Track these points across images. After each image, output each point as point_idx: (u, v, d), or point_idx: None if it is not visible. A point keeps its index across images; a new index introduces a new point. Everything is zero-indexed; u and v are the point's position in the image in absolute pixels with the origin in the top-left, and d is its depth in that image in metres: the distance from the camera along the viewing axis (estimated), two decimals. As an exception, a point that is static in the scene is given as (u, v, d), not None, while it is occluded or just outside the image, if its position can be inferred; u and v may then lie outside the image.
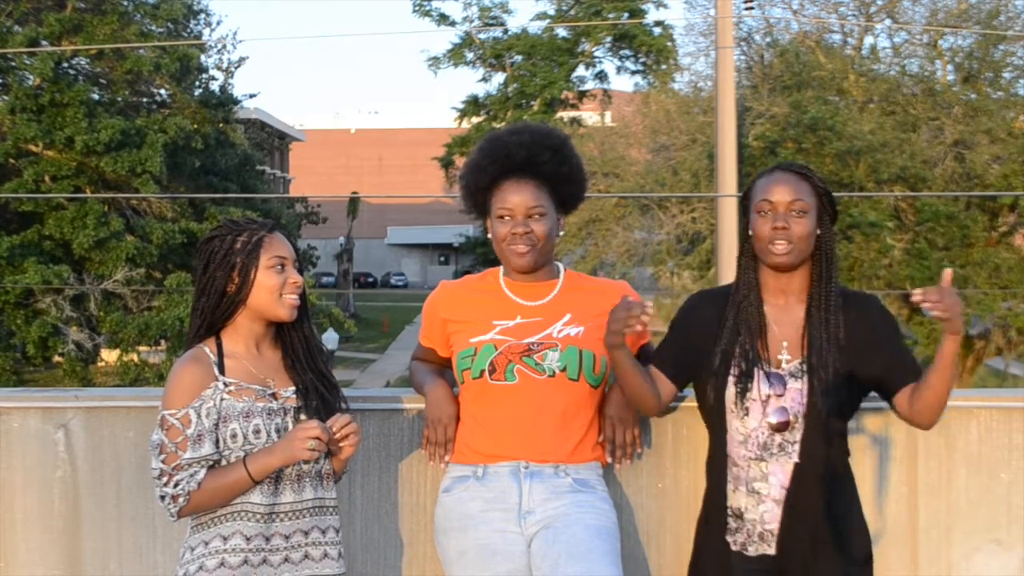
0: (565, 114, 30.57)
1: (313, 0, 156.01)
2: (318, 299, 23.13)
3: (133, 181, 19.79)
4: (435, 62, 31.07)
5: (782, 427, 2.55)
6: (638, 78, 30.67)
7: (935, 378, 2.49)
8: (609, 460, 2.80)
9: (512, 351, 2.73)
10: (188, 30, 23.68)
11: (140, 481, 3.18)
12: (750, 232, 2.63)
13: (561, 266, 2.91)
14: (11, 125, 19.60)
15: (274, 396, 2.51)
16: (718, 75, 14.11)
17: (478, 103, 31.16)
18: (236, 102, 24.82)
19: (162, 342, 20.25)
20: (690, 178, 18.88)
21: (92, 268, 19.72)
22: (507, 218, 2.76)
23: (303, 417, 2.51)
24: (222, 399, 2.44)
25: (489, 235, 2.85)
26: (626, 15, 28.53)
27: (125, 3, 21.16)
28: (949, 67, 19.15)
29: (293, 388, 2.54)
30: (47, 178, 19.90)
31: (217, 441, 2.44)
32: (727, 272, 12.89)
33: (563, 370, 2.72)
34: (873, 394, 2.73)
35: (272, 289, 2.51)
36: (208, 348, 2.51)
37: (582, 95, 31.30)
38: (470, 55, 30.67)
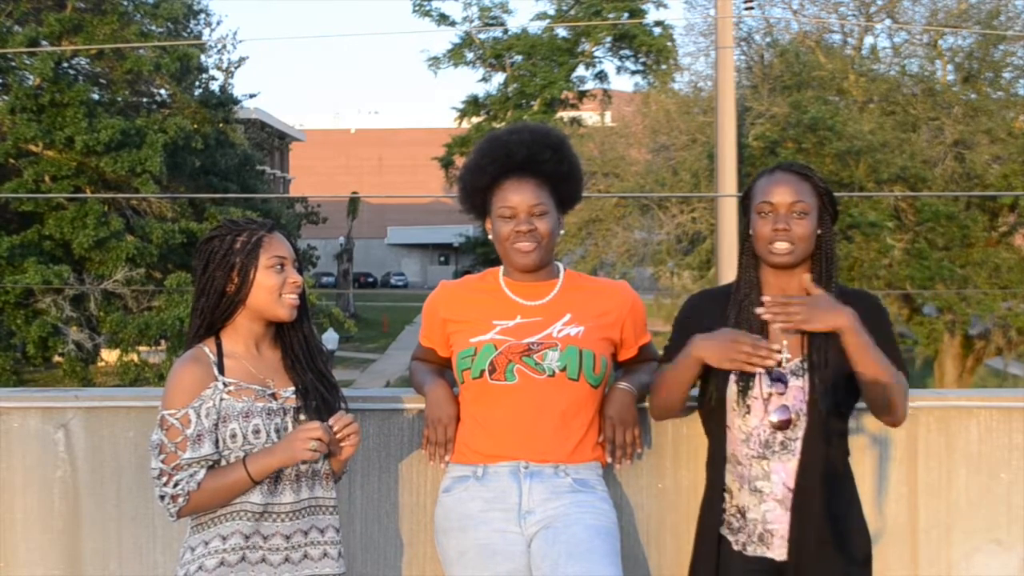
0: (565, 114, 30.58)
1: (313, 0, 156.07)
2: (318, 299, 23.13)
3: (133, 181, 19.79)
4: (435, 62, 31.09)
5: (784, 425, 2.56)
6: (638, 78, 30.72)
7: (859, 376, 2.50)
8: (609, 460, 2.79)
9: (512, 351, 2.73)
10: (188, 30, 23.68)
11: (140, 481, 3.18)
12: (751, 232, 2.63)
13: (561, 266, 2.91)
14: (11, 125, 19.60)
15: (273, 396, 2.51)
16: (718, 75, 14.11)
17: (478, 103, 31.17)
18: (236, 102, 24.83)
19: (162, 342, 20.25)
20: (690, 178, 18.89)
21: (92, 268, 19.72)
22: (510, 217, 2.76)
23: (303, 417, 2.51)
24: (222, 399, 2.44)
25: (490, 236, 2.85)
26: (626, 15, 28.54)
27: (125, 3, 21.16)
28: (949, 67, 19.15)
29: (293, 388, 2.54)
30: (47, 178, 19.89)
31: (217, 441, 2.44)
32: (727, 272, 12.89)
33: (563, 370, 2.72)
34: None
35: (271, 289, 2.51)
36: (208, 348, 2.51)
37: (582, 95, 31.31)
38: (470, 55, 30.68)
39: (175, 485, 2.41)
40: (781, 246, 2.56)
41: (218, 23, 45.98)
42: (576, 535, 2.62)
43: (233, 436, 2.43)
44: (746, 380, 2.58)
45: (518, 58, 30.09)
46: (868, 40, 20.36)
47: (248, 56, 48.42)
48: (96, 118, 19.60)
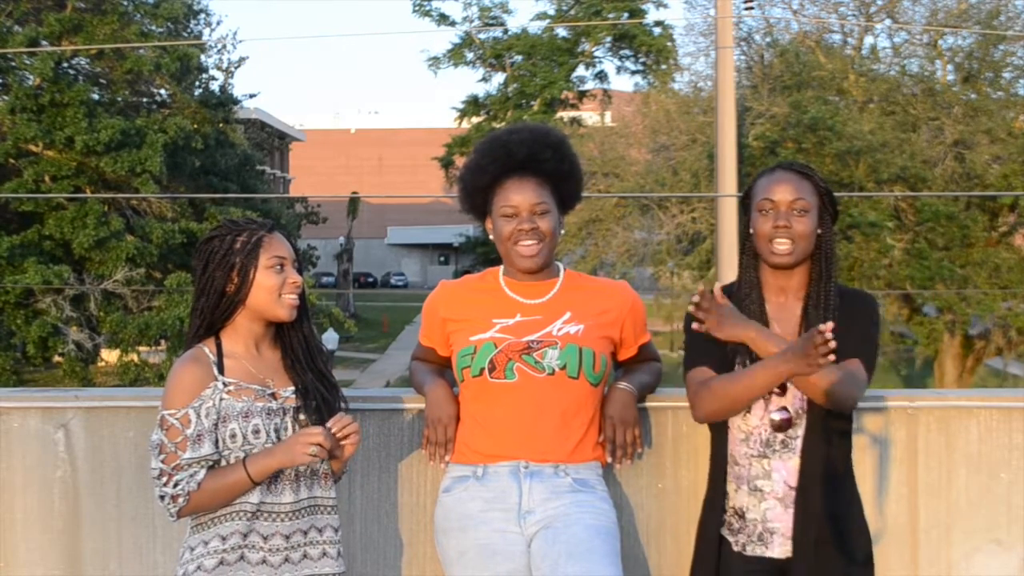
0: (565, 114, 30.59)
1: (313, 0, 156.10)
2: (318, 299, 23.13)
3: (133, 181, 19.79)
4: (435, 62, 31.10)
5: (784, 425, 2.56)
6: (638, 78, 30.73)
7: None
8: (609, 460, 2.79)
9: (512, 349, 2.73)
10: (188, 30, 23.68)
11: (140, 481, 3.18)
12: (751, 230, 2.64)
13: (561, 265, 2.91)
14: (11, 125, 19.59)
15: (273, 396, 2.51)
16: (718, 75, 14.11)
17: (478, 103, 31.18)
18: (236, 102, 24.83)
19: (162, 342, 20.25)
20: (690, 178, 18.89)
21: (92, 268, 19.72)
22: (512, 216, 2.76)
23: (302, 417, 2.51)
24: (221, 399, 2.44)
25: (491, 236, 2.85)
26: (626, 15, 28.55)
27: (125, 3, 21.15)
28: (949, 67, 19.16)
29: (292, 388, 2.54)
30: (47, 178, 19.89)
31: (216, 441, 2.44)
32: (727, 272, 12.89)
33: (563, 368, 2.71)
34: (873, 393, 2.73)
35: (271, 289, 2.51)
36: (207, 348, 2.51)
37: (582, 95, 31.32)
38: (470, 55, 30.69)
39: (175, 485, 2.40)
40: (782, 245, 2.57)
41: (218, 23, 46.01)
42: (576, 535, 2.62)
43: (233, 436, 2.43)
44: None
45: (518, 58, 30.10)
46: (868, 40, 20.38)
47: (248, 56, 48.46)
48: (96, 118, 19.60)
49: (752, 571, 2.60)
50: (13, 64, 20.67)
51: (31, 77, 20.21)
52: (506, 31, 30.31)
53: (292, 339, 2.58)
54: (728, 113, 13.73)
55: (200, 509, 2.44)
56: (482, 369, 2.73)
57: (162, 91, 22.79)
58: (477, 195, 2.85)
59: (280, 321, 2.54)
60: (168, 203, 20.86)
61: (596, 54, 31.00)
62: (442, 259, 63.01)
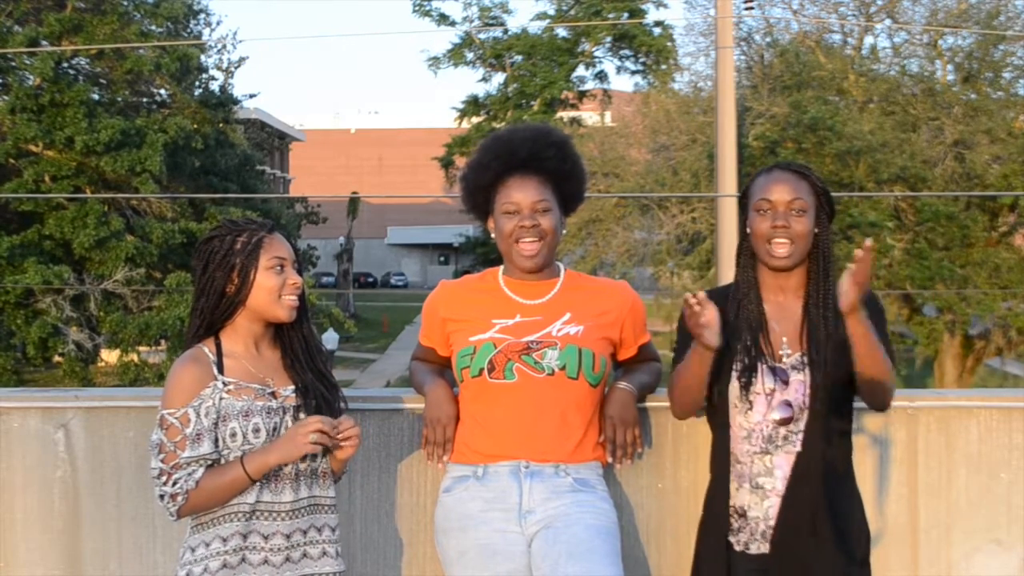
0: (565, 114, 30.59)
1: (313, 0, 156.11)
2: (318, 299, 23.13)
3: (133, 181, 19.79)
4: (435, 62, 31.10)
5: (786, 421, 2.56)
6: (638, 78, 30.74)
7: (856, 360, 2.49)
8: (610, 460, 2.79)
9: (511, 349, 2.73)
10: (188, 30, 23.68)
11: (140, 481, 3.18)
12: (748, 230, 2.64)
13: (561, 266, 2.91)
14: (11, 125, 19.60)
15: (273, 395, 2.51)
16: (718, 75, 14.11)
17: (478, 103, 31.19)
18: (236, 102, 24.83)
19: (162, 342, 20.25)
20: (690, 178, 18.89)
21: (92, 268, 19.72)
22: (513, 213, 2.76)
23: (302, 415, 2.51)
24: (221, 398, 2.44)
25: (492, 235, 2.85)
26: (626, 15, 28.55)
27: (125, 3, 21.16)
28: (949, 67, 19.15)
29: (292, 387, 2.54)
30: (47, 178, 19.90)
31: (216, 440, 2.44)
32: (727, 272, 12.89)
33: (562, 368, 2.71)
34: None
35: (271, 290, 2.51)
36: (207, 348, 2.51)
37: (582, 95, 31.32)
38: (470, 55, 30.70)
39: (174, 484, 2.41)
40: (779, 245, 2.57)
41: (218, 23, 46.05)
42: (576, 535, 2.62)
43: (233, 435, 2.44)
44: (748, 376, 2.58)
45: (518, 58, 30.11)
46: (868, 40, 20.38)
47: (248, 56, 48.45)
48: (96, 118, 19.60)
49: (755, 571, 2.60)
50: (13, 64, 20.67)
51: (31, 77, 20.21)
52: (506, 31, 30.32)
53: (292, 339, 2.58)
54: (728, 113, 13.73)
55: (200, 508, 2.44)
56: (481, 369, 2.73)
57: (162, 91, 22.80)
58: (479, 193, 2.85)
59: (280, 322, 2.54)
60: (168, 203, 20.87)
61: (596, 54, 31.01)
62: (442, 259, 63.01)
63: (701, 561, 2.69)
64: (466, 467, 2.76)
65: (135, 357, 19.71)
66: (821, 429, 2.57)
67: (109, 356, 21.03)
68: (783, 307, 2.65)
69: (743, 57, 20.72)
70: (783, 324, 2.63)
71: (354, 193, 42.27)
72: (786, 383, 2.57)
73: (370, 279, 60.41)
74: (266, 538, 2.46)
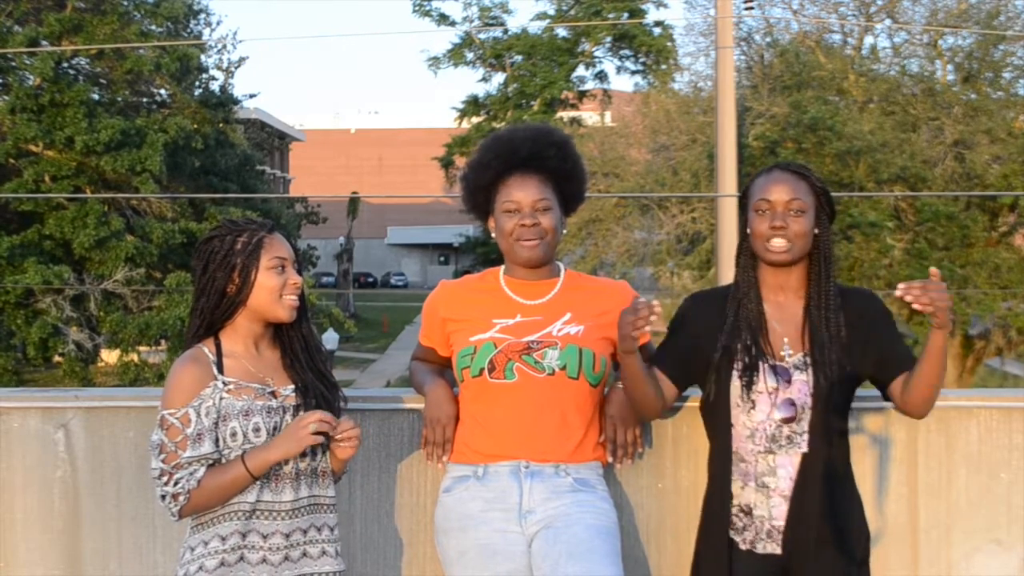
0: (565, 114, 30.58)
1: (313, 0, 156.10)
2: (318, 299, 23.13)
3: (133, 181, 19.79)
4: (435, 62, 31.09)
5: (790, 420, 2.57)
6: (638, 78, 30.73)
7: (925, 370, 2.52)
8: (610, 460, 2.79)
9: (512, 349, 2.73)
10: (188, 30, 23.68)
11: (140, 481, 3.18)
12: (748, 230, 2.65)
13: (561, 266, 2.91)
14: (11, 125, 19.60)
15: (273, 395, 2.51)
16: (718, 75, 14.11)
17: (478, 103, 31.18)
18: (236, 102, 24.83)
19: (162, 342, 20.26)
20: (690, 178, 18.89)
21: (92, 268, 19.73)
22: (514, 212, 2.77)
23: (302, 414, 2.50)
24: (221, 398, 2.44)
25: (493, 234, 2.85)
26: (626, 15, 28.55)
27: (125, 3, 21.16)
28: (949, 67, 19.15)
29: (292, 387, 2.54)
30: (47, 178, 19.90)
31: (217, 440, 2.44)
32: (727, 272, 12.89)
33: (563, 368, 2.71)
34: (873, 393, 2.73)
35: (272, 290, 2.51)
36: (207, 348, 2.51)
37: (582, 95, 31.31)
38: (470, 55, 30.69)
39: (175, 484, 2.41)
40: (778, 243, 2.58)
41: (218, 23, 46.06)
42: (577, 535, 2.62)
43: (233, 435, 2.44)
44: (750, 375, 2.58)
45: (518, 58, 30.10)
46: (868, 40, 20.37)
47: (248, 56, 48.47)
48: (96, 118, 19.61)
49: (762, 569, 2.60)
50: (13, 64, 20.67)
51: (31, 77, 20.21)
52: (506, 31, 30.31)
53: (291, 338, 2.58)
54: (728, 113, 13.73)
55: (201, 507, 2.44)
56: (482, 369, 2.73)
57: (162, 91, 22.80)
58: (480, 193, 2.85)
59: (280, 322, 2.54)
60: (168, 203, 20.87)
61: (596, 54, 31.00)
62: (442, 259, 63.01)
63: (702, 559, 2.69)
64: (466, 467, 2.76)
65: (135, 357, 19.71)
66: (824, 429, 2.58)
67: (109, 356, 21.03)
68: (783, 307, 2.65)
69: (743, 57, 20.73)
70: (784, 324, 2.63)
71: (354, 193, 42.27)
72: (788, 382, 2.58)
73: (370, 279, 60.41)
74: (265, 537, 2.46)
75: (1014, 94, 18.55)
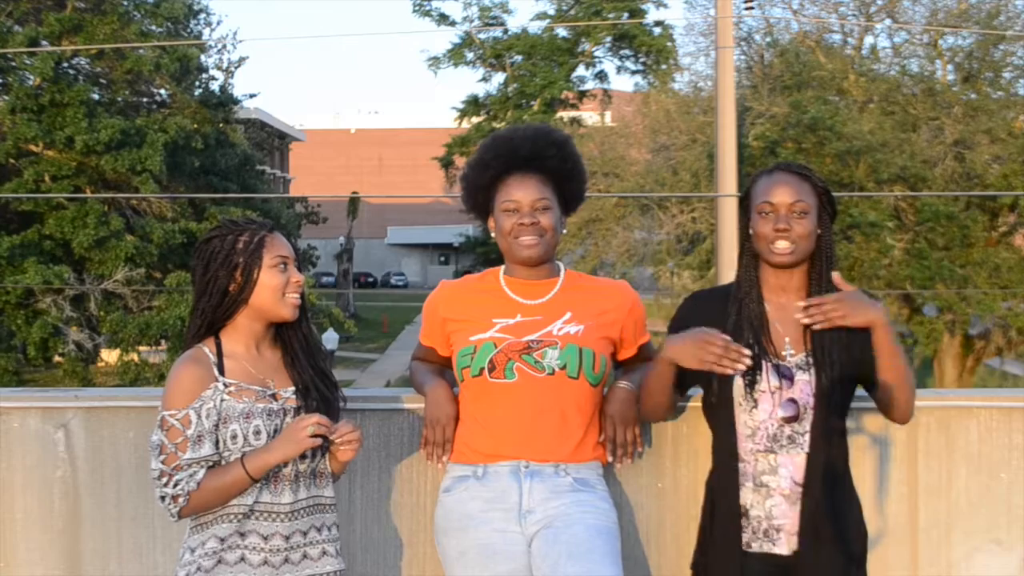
0: (565, 114, 30.58)
1: (313, 0, 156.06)
2: (318, 299, 23.13)
3: (133, 181, 19.79)
4: (435, 62, 31.09)
5: (792, 419, 2.57)
6: (638, 78, 30.74)
7: (879, 371, 2.55)
8: (610, 459, 2.79)
9: (511, 349, 2.73)
10: (188, 30, 23.66)
11: (140, 481, 3.18)
12: (751, 231, 2.65)
13: (561, 265, 2.91)
14: (11, 125, 19.60)
15: (274, 397, 2.51)
16: (718, 75, 14.11)
17: (478, 103, 31.19)
18: (236, 102, 24.81)
19: (162, 342, 20.25)
20: (690, 178, 18.90)
21: (92, 268, 19.72)
22: (513, 211, 2.77)
23: (305, 414, 2.50)
24: (222, 400, 2.44)
25: (493, 234, 2.85)
26: (626, 15, 28.55)
27: (125, 3, 21.16)
28: (949, 67, 19.16)
29: (293, 388, 2.54)
30: (47, 178, 19.90)
31: (217, 442, 2.44)
32: (727, 272, 12.89)
33: (563, 368, 2.71)
34: (873, 393, 2.73)
35: (275, 289, 2.51)
36: (207, 348, 2.51)
37: (582, 95, 31.31)
38: (470, 55, 30.69)
39: (175, 485, 2.40)
40: (782, 245, 2.59)
41: (218, 23, 46.04)
42: (577, 535, 2.62)
43: (234, 437, 2.43)
44: (752, 374, 2.59)
45: (518, 58, 30.10)
46: (868, 40, 20.39)
47: (248, 56, 48.33)
48: (96, 118, 19.61)
49: (759, 568, 2.60)
50: (13, 64, 20.67)
51: (31, 77, 20.21)
52: (506, 31, 30.31)
53: (292, 338, 2.58)
54: (728, 113, 13.73)
55: (200, 509, 2.44)
56: (482, 369, 2.73)
57: (162, 91, 22.79)
58: (480, 192, 2.85)
59: (283, 320, 2.54)
60: (168, 203, 20.87)
61: (596, 54, 31.01)
62: (442, 259, 63.01)
63: (705, 560, 2.68)
64: (466, 467, 2.76)
65: (135, 357, 19.71)
66: (825, 429, 2.58)
67: (109, 356, 21.03)
68: (785, 308, 2.65)
69: (743, 57, 20.74)
70: (785, 324, 2.64)
71: (354, 193, 42.26)
72: (791, 381, 2.58)
73: (370, 279, 60.42)
74: (265, 539, 2.46)
75: (1014, 94, 18.56)
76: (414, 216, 63.73)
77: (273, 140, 45.10)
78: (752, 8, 18.47)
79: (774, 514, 2.59)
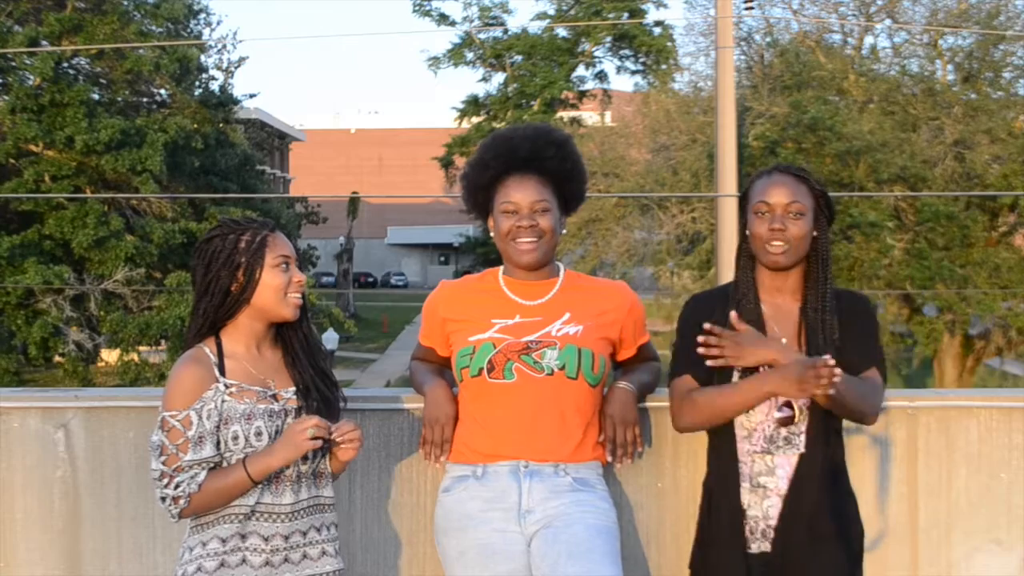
0: (565, 114, 30.58)
1: (313, 0, 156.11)
2: (318, 299, 23.12)
3: (133, 181, 19.79)
4: (435, 62, 31.08)
5: (787, 421, 2.58)
6: (638, 78, 30.74)
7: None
8: (610, 459, 2.79)
9: (510, 349, 2.73)
10: (188, 30, 23.66)
11: (140, 481, 3.18)
12: (747, 232, 2.66)
13: (561, 265, 2.91)
14: (11, 125, 19.60)
15: (275, 397, 2.50)
16: (718, 75, 14.11)
17: (478, 103, 31.18)
18: (236, 102, 24.80)
19: (162, 342, 20.25)
20: (690, 178, 18.90)
21: (92, 268, 19.72)
22: (512, 212, 2.76)
23: (304, 416, 2.50)
24: (223, 400, 2.44)
25: (492, 234, 2.85)
26: (626, 15, 28.55)
27: (125, 3, 21.16)
28: (949, 67, 19.16)
29: (293, 388, 2.54)
30: (47, 178, 19.89)
31: (218, 443, 2.43)
32: (727, 272, 12.88)
33: (561, 368, 2.71)
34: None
35: (278, 288, 2.50)
36: (208, 348, 2.50)
37: (582, 95, 31.31)
38: (470, 55, 30.68)
39: (176, 487, 2.40)
40: (777, 246, 2.60)
41: (218, 23, 45.96)
42: (576, 534, 2.62)
43: (235, 438, 2.43)
44: (750, 375, 2.59)
45: (518, 58, 30.09)
46: (868, 40, 20.39)
47: (248, 56, 48.29)
48: (96, 118, 19.60)
49: (759, 569, 2.60)
50: (13, 64, 20.67)
51: (31, 77, 20.21)
52: (506, 31, 30.30)
53: (292, 338, 2.58)
54: (728, 113, 13.73)
55: (201, 510, 2.44)
56: (480, 369, 2.73)
57: (162, 91, 22.79)
58: (479, 192, 2.85)
59: (284, 320, 2.54)
60: (168, 203, 20.86)
61: (596, 54, 31.00)
62: (442, 259, 63.01)
63: (705, 558, 2.68)
64: (465, 467, 2.76)
65: (135, 357, 19.71)
66: (821, 429, 2.60)
67: (109, 356, 21.02)
68: (781, 308, 2.67)
69: (743, 57, 20.74)
70: (781, 325, 2.65)
71: (354, 193, 42.26)
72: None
73: (370, 279, 60.41)
74: (266, 540, 2.46)
75: (1014, 94, 18.57)
76: (414, 216, 63.72)
77: (273, 140, 45.09)
78: (752, 8, 18.47)
79: (771, 514, 2.60)
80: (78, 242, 19.05)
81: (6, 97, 20.72)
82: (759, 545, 2.61)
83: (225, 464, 2.44)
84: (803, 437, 2.59)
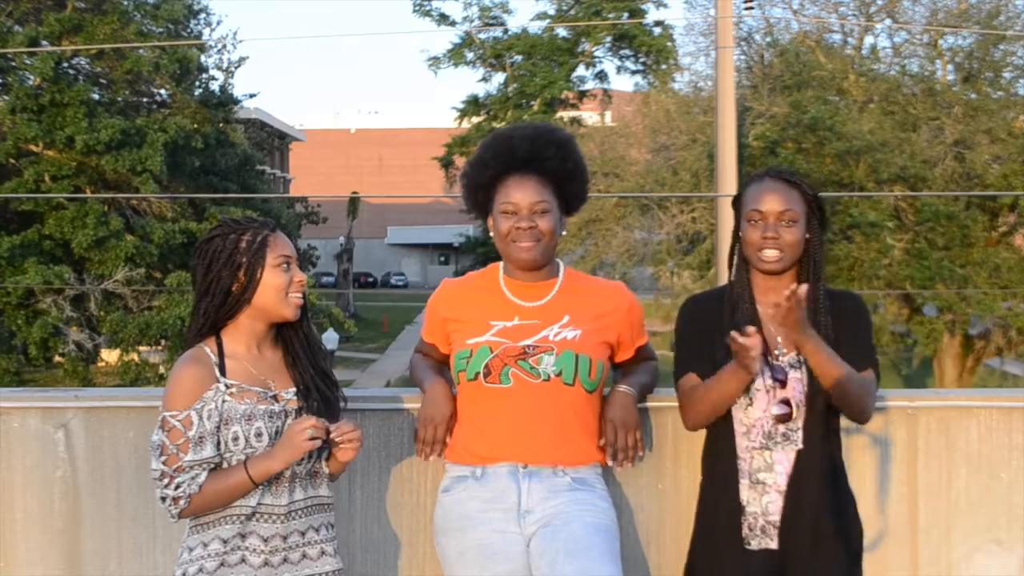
0: (565, 114, 30.57)
1: (313, 0, 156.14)
2: (318, 299, 23.11)
3: (133, 180, 19.79)
4: (435, 62, 31.06)
5: (784, 418, 2.59)
6: (638, 78, 30.71)
7: (819, 379, 2.56)
8: (610, 463, 2.78)
9: (507, 354, 2.72)
10: (188, 30, 23.65)
11: (140, 481, 3.18)
12: (740, 235, 2.68)
13: (561, 264, 2.89)
14: (11, 125, 19.59)
15: (275, 398, 2.50)
16: (718, 75, 14.11)
17: (478, 103, 31.16)
18: (236, 102, 24.79)
19: (162, 342, 20.25)
20: (690, 178, 18.90)
21: (92, 268, 19.72)
22: (511, 213, 2.75)
23: (303, 417, 2.50)
24: (224, 401, 2.43)
25: (491, 234, 2.84)
26: (626, 15, 28.54)
27: (125, 3, 21.15)
28: (949, 67, 19.16)
29: (294, 389, 2.54)
30: (47, 178, 19.89)
31: (218, 443, 2.43)
32: (726, 272, 12.88)
33: (558, 374, 2.70)
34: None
35: (279, 288, 2.50)
36: (209, 348, 2.50)
37: (582, 95, 31.29)
38: (470, 55, 30.66)
39: (176, 487, 2.40)
40: (771, 254, 2.62)
41: (218, 23, 45.89)
42: (575, 533, 2.62)
43: (235, 439, 2.43)
44: None
45: (518, 58, 30.07)
46: (868, 40, 20.39)
47: (248, 56, 48.24)
48: (96, 118, 19.60)
49: (759, 565, 2.61)
50: (13, 64, 20.66)
51: (31, 77, 20.21)
52: (506, 31, 30.28)
53: (293, 338, 2.58)
54: (728, 113, 13.73)
55: (201, 510, 2.44)
56: (477, 373, 2.72)
57: (162, 91, 22.78)
58: (479, 192, 2.83)
59: (285, 320, 2.54)
60: (168, 203, 20.85)
61: (596, 54, 30.98)
62: (442, 259, 62.98)
63: (704, 557, 2.68)
64: (465, 467, 2.75)
65: (135, 357, 19.71)
66: (820, 426, 2.61)
67: (109, 356, 21.02)
68: (776, 308, 2.67)
69: (743, 57, 20.74)
70: (776, 324, 2.65)
71: (354, 193, 42.25)
72: (785, 380, 2.59)
73: (370, 279, 60.40)
74: (265, 540, 2.46)
75: (1014, 94, 18.57)
76: (414, 216, 63.71)
77: (273, 140, 45.09)
78: (752, 8, 18.47)
79: (770, 510, 2.61)
80: (78, 242, 19.05)
81: (6, 97, 20.71)
82: (759, 542, 2.62)
83: (225, 465, 2.44)
84: (801, 433, 2.60)
